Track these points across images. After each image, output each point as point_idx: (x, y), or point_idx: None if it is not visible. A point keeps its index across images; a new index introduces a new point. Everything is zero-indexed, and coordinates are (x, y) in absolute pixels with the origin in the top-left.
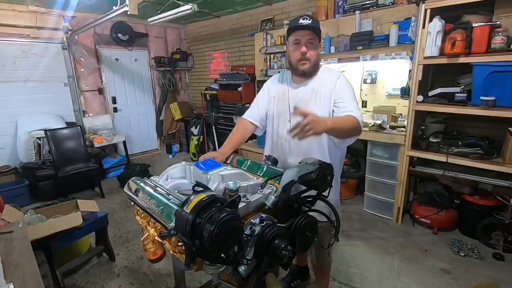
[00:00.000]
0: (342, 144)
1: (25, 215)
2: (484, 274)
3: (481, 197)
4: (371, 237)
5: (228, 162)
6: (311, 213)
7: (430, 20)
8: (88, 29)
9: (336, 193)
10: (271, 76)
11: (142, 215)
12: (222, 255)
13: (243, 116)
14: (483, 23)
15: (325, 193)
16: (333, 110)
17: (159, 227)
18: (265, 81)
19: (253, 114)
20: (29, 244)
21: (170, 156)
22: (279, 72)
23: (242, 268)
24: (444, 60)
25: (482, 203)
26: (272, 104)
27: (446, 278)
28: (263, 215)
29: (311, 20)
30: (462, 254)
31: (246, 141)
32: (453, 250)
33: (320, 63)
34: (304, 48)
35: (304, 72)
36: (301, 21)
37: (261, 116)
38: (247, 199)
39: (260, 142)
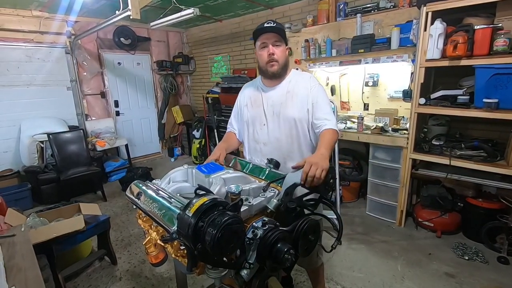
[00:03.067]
0: None
1: (28, 218)
2: (489, 278)
3: (485, 200)
4: (374, 240)
5: (230, 165)
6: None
7: (432, 23)
8: (91, 33)
9: None
10: None
11: (144, 219)
12: (224, 258)
13: (230, 130)
14: (485, 26)
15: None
16: (308, 110)
17: (161, 231)
18: None
19: (235, 128)
20: (32, 248)
21: (172, 160)
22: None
23: (244, 272)
24: (446, 63)
25: (486, 206)
26: (245, 111)
27: (451, 282)
28: (266, 219)
29: (275, 24)
30: (466, 258)
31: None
32: (457, 253)
33: (294, 69)
34: (271, 49)
35: (274, 74)
36: (265, 25)
37: (240, 130)
38: (249, 202)
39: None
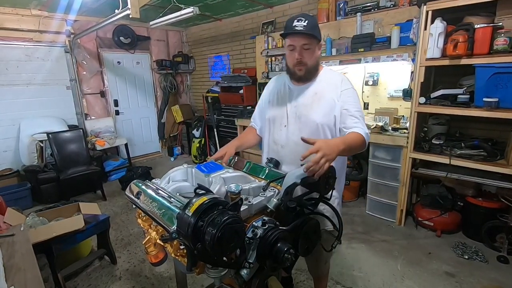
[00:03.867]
0: None
1: (27, 218)
2: (489, 277)
3: (485, 199)
4: (374, 240)
5: (230, 164)
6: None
7: (432, 22)
8: (90, 32)
9: (339, 198)
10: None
11: (144, 218)
12: (224, 258)
13: (251, 124)
14: (485, 25)
15: (327, 196)
16: (335, 116)
17: (161, 230)
18: (266, 83)
19: (258, 125)
20: (31, 247)
21: (172, 159)
22: (280, 74)
23: (244, 272)
24: (446, 62)
25: (486, 205)
26: (268, 108)
27: (451, 282)
28: (265, 218)
29: (306, 21)
30: (466, 257)
31: None
32: (457, 253)
33: (322, 65)
34: (297, 55)
35: (301, 78)
36: (295, 23)
37: (262, 126)
38: (249, 201)
39: (261, 145)
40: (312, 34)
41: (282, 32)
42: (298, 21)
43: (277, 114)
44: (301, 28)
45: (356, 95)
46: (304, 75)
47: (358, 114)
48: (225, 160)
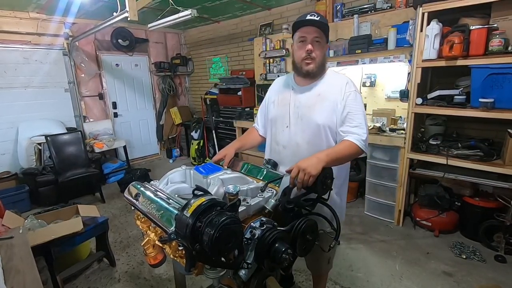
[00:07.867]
0: None
1: (26, 220)
2: (487, 276)
3: (482, 199)
4: (372, 240)
5: (229, 165)
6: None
7: (428, 23)
8: (88, 35)
9: (343, 199)
10: (270, 80)
11: (143, 220)
12: (223, 259)
13: (254, 125)
14: (480, 26)
15: (325, 196)
16: (336, 118)
17: (159, 232)
18: (264, 85)
19: (260, 125)
20: (30, 250)
21: (171, 161)
22: (278, 75)
23: (242, 272)
24: (442, 63)
25: (483, 205)
26: (271, 109)
27: (449, 281)
28: (263, 219)
29: (319, 17)
30: (464, 257)
31: None
32: (454, 252)
33: (327, 66)
34: (309, 46)
35: (308, 73)
36: (308, 17)
37: (265, 126)
38: (247, 202)
39: (260, 146)
40: (326, 25)
41: (292, 24)
42: (311, 16)
43: (279, 114)
44: (316, 18)
45: (360, 99)
46: (312, 70)
47: (358, 118)
48: (226, 163)
